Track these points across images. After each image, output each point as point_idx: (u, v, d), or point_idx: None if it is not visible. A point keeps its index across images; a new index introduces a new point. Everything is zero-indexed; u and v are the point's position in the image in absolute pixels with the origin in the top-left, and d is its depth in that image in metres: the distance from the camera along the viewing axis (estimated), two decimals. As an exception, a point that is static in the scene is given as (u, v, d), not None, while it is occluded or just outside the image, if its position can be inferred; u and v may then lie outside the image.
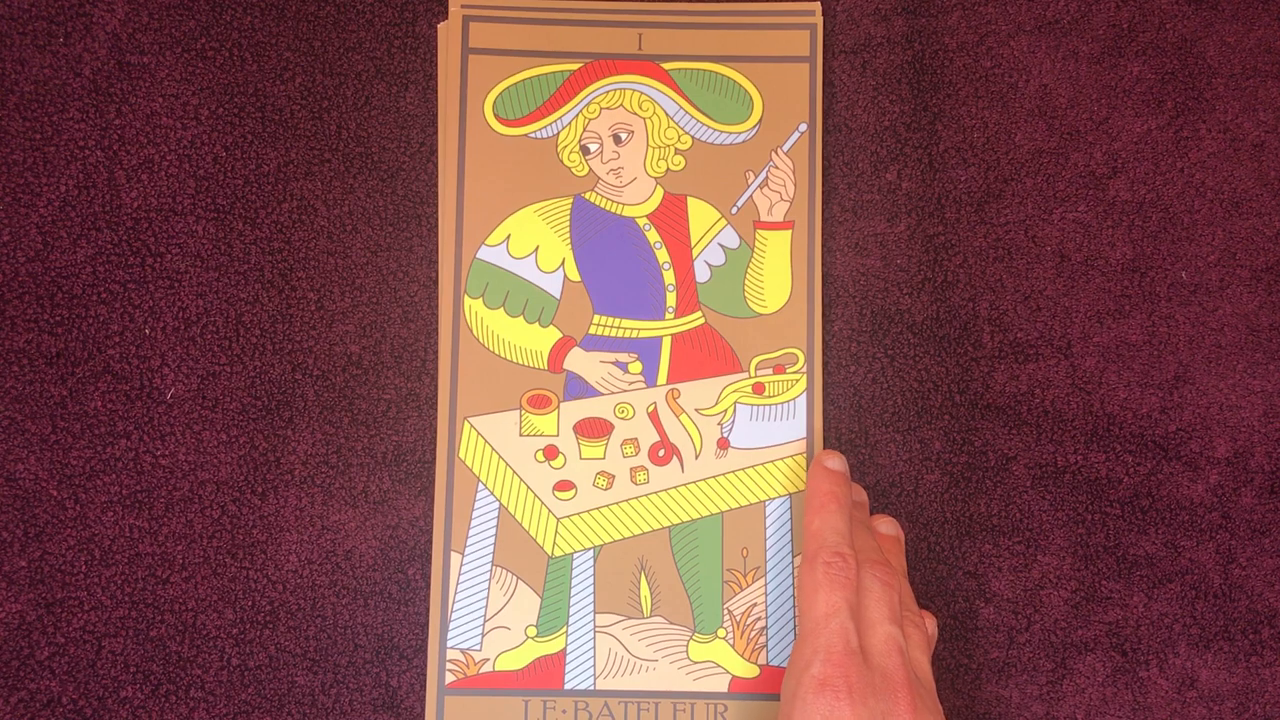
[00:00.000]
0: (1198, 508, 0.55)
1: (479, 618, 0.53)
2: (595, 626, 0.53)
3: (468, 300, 0.55)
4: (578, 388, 0.54)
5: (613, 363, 0.55)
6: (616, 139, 0.55)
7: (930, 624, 0.51)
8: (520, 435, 0.54)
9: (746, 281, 0.55)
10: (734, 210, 0.55)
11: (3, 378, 0.54)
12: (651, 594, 0.54)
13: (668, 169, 0.55)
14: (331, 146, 0.56)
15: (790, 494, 0.54)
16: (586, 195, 0.55)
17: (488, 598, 0.53)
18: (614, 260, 0.55)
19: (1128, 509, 0.55)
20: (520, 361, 0.54)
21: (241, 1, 0.56)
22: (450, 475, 0.54)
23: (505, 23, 0.56)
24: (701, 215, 0.55)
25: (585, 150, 0.55)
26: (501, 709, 0.53)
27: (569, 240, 0.55)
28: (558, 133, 0.55)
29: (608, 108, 0.55)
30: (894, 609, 0.47)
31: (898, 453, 0.55)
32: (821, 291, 0.55)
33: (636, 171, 0.55)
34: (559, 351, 0.54)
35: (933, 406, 0.55)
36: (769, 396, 0.54)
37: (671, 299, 0.55)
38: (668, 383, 0.55)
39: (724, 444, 0.54)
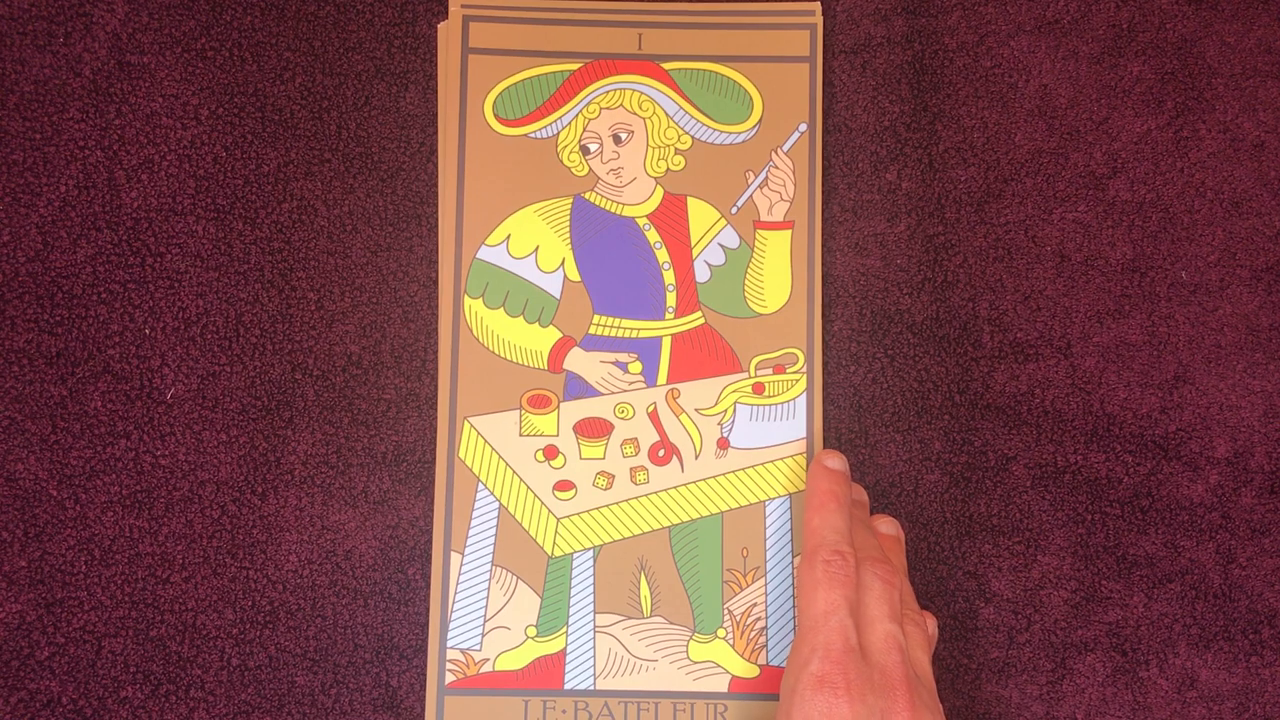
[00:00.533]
0: (1198, 508, 0.55)
1: (479, 618, 0.53)
2: (595, 626, 0.53)
3: (468, 300, 0.55)
4: (578, 388, 0.54)
5: (613, 363, 0.55)
6: (616, 139, 0.55)
7: (930, 624, 0.51)
8: (520, 435, 0.54)
9: (746, 281, 0.55)
10: (734, 210, 0.55)
11: (3, 378, 0.54)
12: (651, 594, 0.54)
13: (668, 169, 0.55)
14: (331, 146, 0.56)
15: (790, 494, 0.54)
16: (586, 195, 0.55)
17: (488, 598, 0.53)
18: (614, 260, 0.55)
19: (1128, 509, 0.55)
20: (520, 361, 0.54)
21: (241, 1, 0.56)
22: (450, 475, 0.54)
23: (505, 23, 0.56)
24: (701, 215, 0.55)
25: (585, 150, 0.55)
26: (501, 709, 0.53)
27: (569, 240, 0.55)
28: (558, 133, 0.55)
29: (608, 108, 0.55)
30: (894, 607, 0.47)
31: (898, 453, 0.55)
32: (821, 291, 0.55)
33: (636, 171, 0.55)
34: (559, 351, 0.54)
35: (933, 406, 0.55)
36: (769, 396, 0.55)
37: (671, 299, 0.55)
38: (668, 383, 0.55)
39: (724, 444, 0.54)
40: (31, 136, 0.55)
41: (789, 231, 0.55)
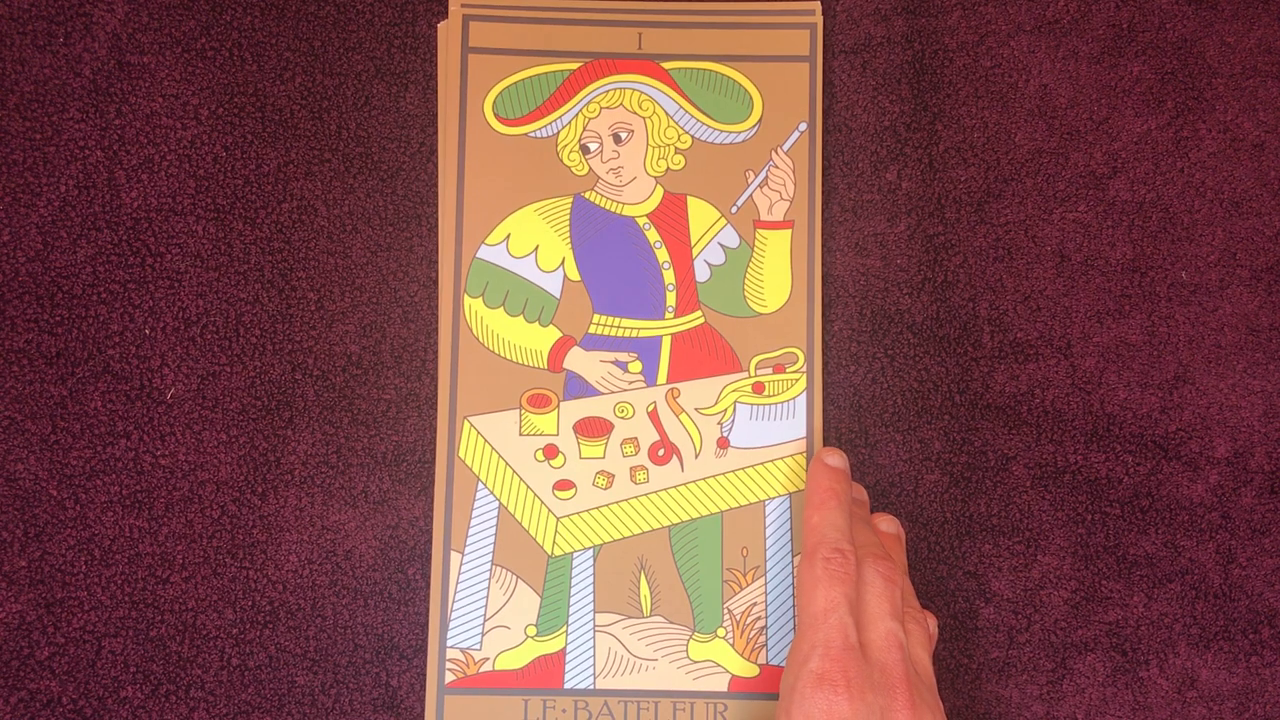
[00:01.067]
0: (1198, 508, 0.55)
1: (479, 617, 0.53)
2: (595, 626, 0.53)
3: (467, 300, 0.55)
4: (577, 387, 0.54)
5: (612, 362, 0.55)
6: (616, 138, 0.55)
7: (931, 623, 0.51)
8: (520, 435, 0.54)
9: (746, 281, 0.55)
10: (734, 210, 0.55)
11: (3, 378, 0.54)
12: (651, 593, 0.54)
13: (668, 168, 0.55)
14: (331, 146, 0.56)
15: (790, 493, 0.54)
16: (586, 195, 0.55)
17: (487, 597, 0.53)
18: (614, 259, 0.55)
19: (1128, 509, 0.55)
20: (520, 361, 0.54)
21: (241, 1, 0.56)
22: (450, 475, 0.54)
23: (505, 22, 0.56)
24: (701, 214, 0.55)
25: (585, 150, 0.55)
26: (501, 708, 0.53)
27: (569, 239, 0.55)
28: (557, 132, 0.55)
29: (608, 107, 0.55)
30: (895, 604, 0.47)
31: (898, 453, 0.55)
32: (821, 291, 0.55)
33: (636, 171, 0.55)
34: (559, 351, 0.54)
35: (933, 406, 0.55)
36: (769, 396, 0.54)
37: (671, 298, 0.55)
38: (667, 382, 0.55)
39: (724, 443, 0.54)
40: (31, 136, 0.55)
41: (789, 231, 0.55)
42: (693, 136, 0.56)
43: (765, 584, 0.54)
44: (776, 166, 0.55)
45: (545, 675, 0.53)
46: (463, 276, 0.55)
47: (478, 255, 0.55)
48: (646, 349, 0.55)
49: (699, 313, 0.55)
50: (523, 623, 0.53)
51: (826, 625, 0.46)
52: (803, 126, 0.56)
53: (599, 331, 0.55)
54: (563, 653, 0.53)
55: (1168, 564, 0.55)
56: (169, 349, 0.54)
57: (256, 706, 0.53)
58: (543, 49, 0.56)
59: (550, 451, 0.54)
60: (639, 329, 0.55)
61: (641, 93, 0.56)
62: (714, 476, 0.54)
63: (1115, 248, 0.56)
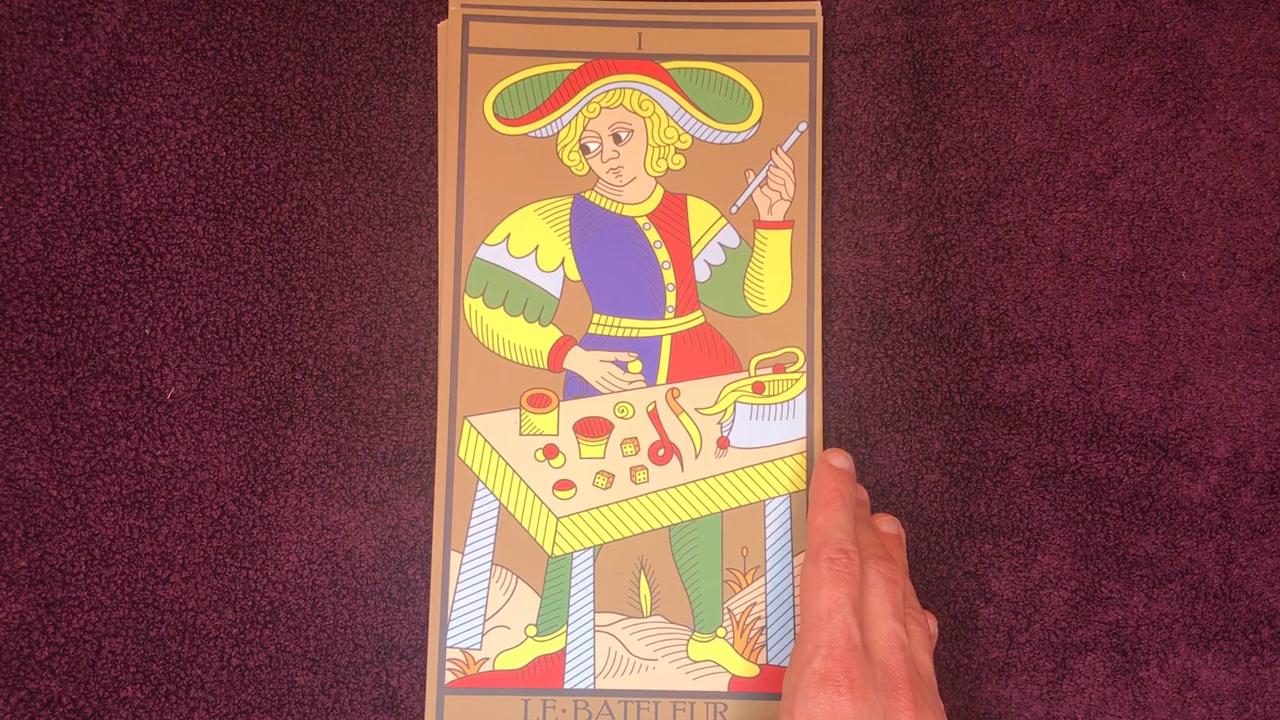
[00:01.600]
0: (1198, 508, 0.55)
1: (479, 617, 0.53)
2: (595, 626, 0.53)
3: (467, 300, 0.55)
4: (577, 387, 0.54)
5: (612, 362, 0.55)
6: (616, 138, 0.55)
7: (931, 624, 0.51)
8: (520, 435, 0.54)
9: (746, 281, 0.55)
10: (734, 209, 0.55)
11: (3, 378, 0.54)
12: (651, 593, 0.54)
13: (667, 168, 0.55)
14: (331, 146, 0.56)
15: (790, 493, 0.54)
16: (586, 194, 0.55)
17: (487, 597, 0.53)
18: (614, 259, 0.55)
19: (1128, 509, 0.55)
20: (520, 361, 0.54)
21: (241, 1, 0.56)
22: (450, 475, 0.54)
23: (505, 22, 0.56)
24: (701, 214, 0.55)
25: (585, 149, 0.55)
26: (501, 708, 0.53)
27: (569, 239, 0.55)
28: (557, 132, 0.55)
29: (608, 107, 0.55)
30: (897, 605, 0.47)
31: (898, 453, 0.55)
32: (821, 291, 0.55)
33: (636, 171, 0.55)
34: (559, 351, 0.54)
35: (933, 406, 0.55)
36: (769, 396, 0.54)
37: (671, 298, 0.55)
38: (667, 382, 0.55)
39: (724, 443, 0.54)
40: (31, 136, 0.55)
41: (789, 231, 0.55)
42: (693, 136, 0.56)
43: (765, 584, 0.54)
44: (776, 166, 0.55)
45: (545, 675, 0.53)
46: (463, 276, 0.55)
47: (478, 255, 0.55)
48: (646, 349, 0.55)
49: (699, 313, 0.55)
50: (523, 623, 0.53)
51: (830, 625, 0.46)
52: (803, 126, 0.56)
53: (599, 331, 0.55)
54: (563, 653, 0.53)
55: (1168, 564, 0.55)
56: (169, 349, 0.54)
57: (256, 706, 0.53)
58: (543, 49, 0.56)
59: (550, 451, 0.54)
60: (639, 329, 0.55)
61: (641, 93, 0.56)
62: (714, 476, 0.54)
63: (1115, 248, 0.56)
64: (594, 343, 0.55)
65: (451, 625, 0.53)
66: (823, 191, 0.56)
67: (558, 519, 0.54)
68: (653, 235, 0.55)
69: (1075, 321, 0.56)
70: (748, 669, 0.53)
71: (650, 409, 0.54)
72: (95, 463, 0.54)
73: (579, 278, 0.55)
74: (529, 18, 0.56)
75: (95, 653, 0.53)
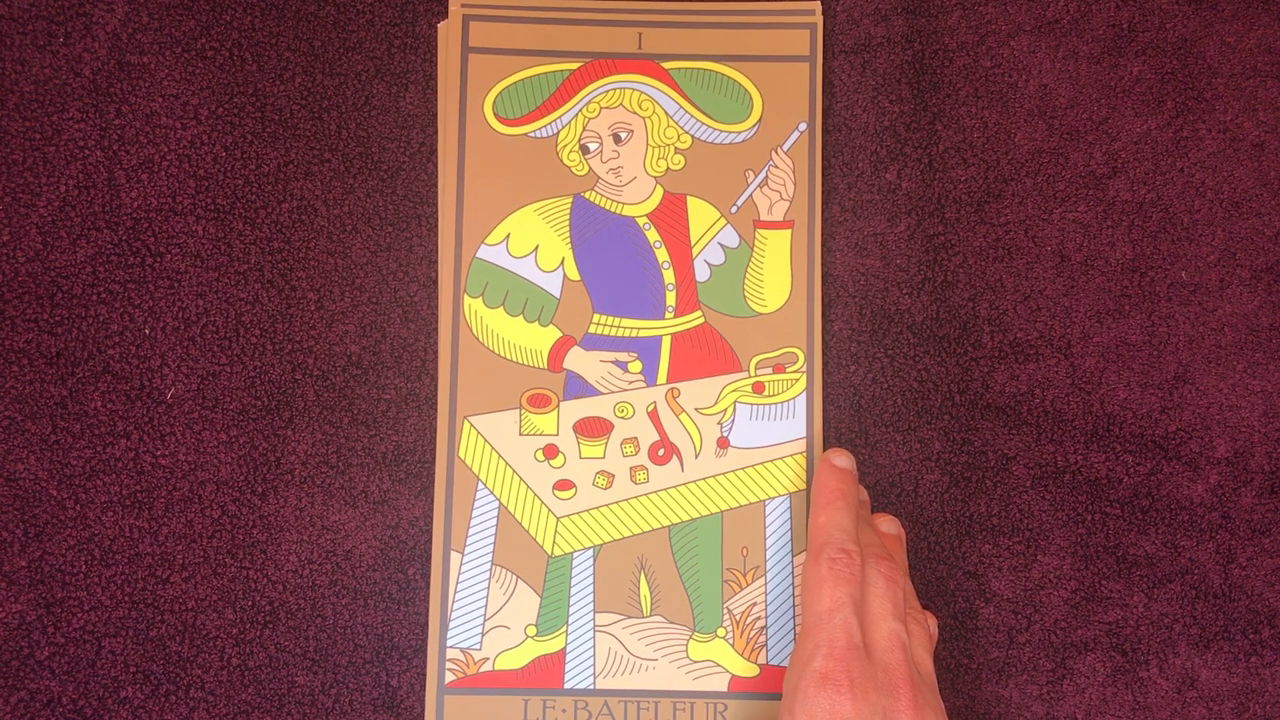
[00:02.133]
0: (1198, 508, 0.55)
1: (479, 617, 0.53)
2: (595, 626, 0.53)
3: (467, 299, 0.55)
4: (577, 387, 0.54)
5: (612, 362, 0.55)
6: (616, 138, 0.55)
7: (931, 623, 0.51)
8: (520, 434, 0.54)
9: (746, 281, 0.55)
10: (734, 209, 0.55)
11: (3, 378, 0.54)
12: (651, 593, 0.54)
13: (667, 168, 0.55)
14: (331, 146, 0.56)
15: (790, 493, 0.54)
16: (586, 194, 0.55)
17: (487, 597, 0.53)
18: (614, 259, 0.55)
19: (1128, 509, 0.55)
20: (520, 361, 0.54)
21: (241, 1, 0.56)
22: (450, 475, 0.54)
23: (505, 22, 0.56)
24: (701, 214, 0.55)
25: (585, 149, 0.55)
26: (501, 708, 0.53)
27: (569, 239, 0.55)
28: (557, 132, 0.55)
29: (607, 107, 0.55)
30: (898, 605, 0.47)
31: (898, 453, 0.55)
32: (821, 291, 0.55)
33: (636, 171, 0.55)
34: (559, 350, 0.54)
35: (933, 406, 0.55)
36: (769, 396, 0.54)
37: (671, 298, 0.55)
38: (667, 382, 0.55)
39: (724, 443, 0.54)
40: (31, 136, 0.55)
41: (789, 231, 0.55)
42: (693, 136, 0.56)
43: (765, 584, 0.54)
44: (776, 166, 0.55)
45: (545, 675, 0.53)
46: (463, 276, 0.55)
47: (477, 255, 0.55)
48: (646, 349, 0.55)
49: (699, 312, 0.55)
50: (523, 622, 0.53)
51: (831, 625, 0.46)
52: (802, 126, 0.56)
53: (599, 331, 0.55)
54: (563, 653, 0.53)
55: (1168, 564, 0.55)
56: (169, 349, 0.54)
57: (256, 706, 0.53)
58: (543, 49, 0.56)
59: (550, 451, 0.54)
60: (639, 329, 0.55)
61: (641, 93, 0.56)
62: (714, 476, 0.54)
63: (1115, 248, 0.56)
64: (594, 343, 0.55)
65: (451, 625, 0.53)
66: (823, 191, 0.56)
67: (558, 519, 0.54)
68: (653, 235, 0.55)
69: (1075, 321, 0.56)
70: (748, 669, 0.53)
71: (650, 409, 0.54)
72: (95, 463, 0.54)
73: (579, 278, 0.55)
74: (529, 18, 0.56)
75: (95, 653, 0.53)
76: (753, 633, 0.53)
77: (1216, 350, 0.56)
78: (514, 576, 0.53)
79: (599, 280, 0.55)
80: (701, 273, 0.55)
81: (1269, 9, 0.57)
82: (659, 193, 0.55)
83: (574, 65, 0.56)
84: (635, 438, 0.54)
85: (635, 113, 0.56)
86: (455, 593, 0.53)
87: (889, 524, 0.53)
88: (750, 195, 0.55)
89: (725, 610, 0.54)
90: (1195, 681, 0.54)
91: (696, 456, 0.54)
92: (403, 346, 0.55)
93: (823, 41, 0.56)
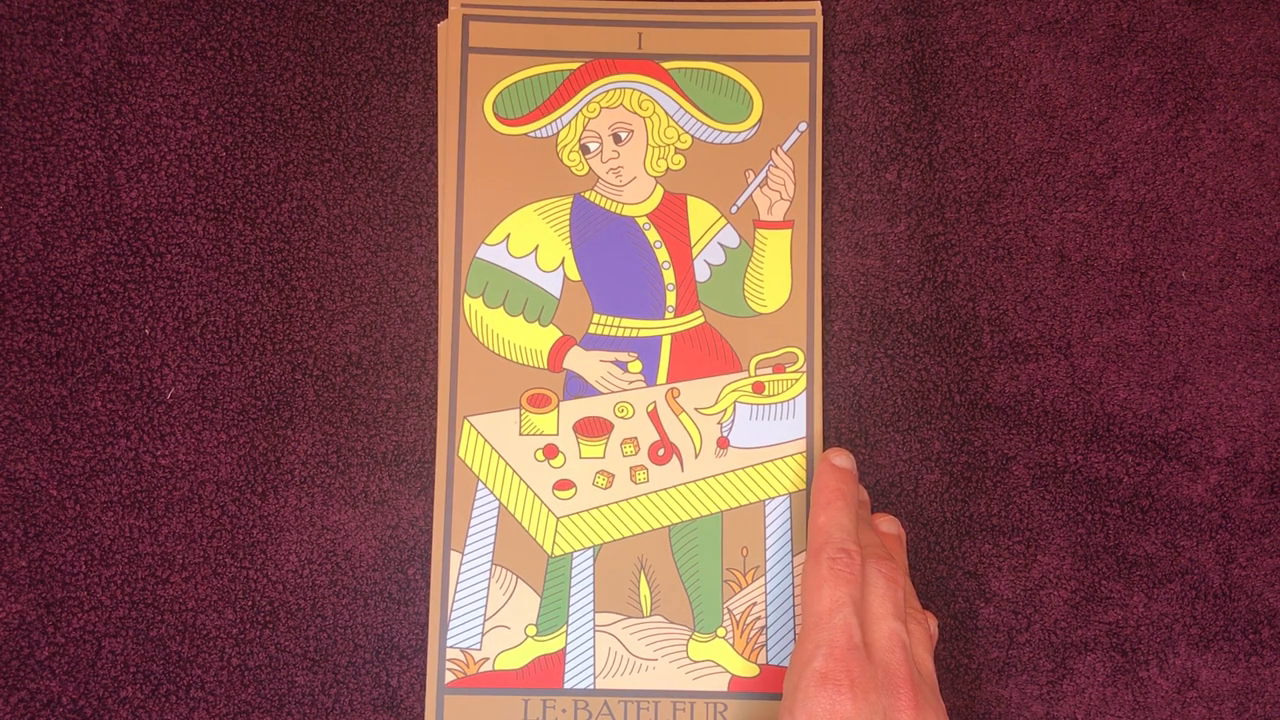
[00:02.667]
0: (1198, 508, 0.55)
1: (479, 617, 0.53)
2: (595, 626, 0.53)
3: (467, 299, 0.55)
4: (577, 387, 0.54)
5: (612, 362, 0.55)
6: (616, 138, 0.55)
7: (931, 623, 0.51)
8: (520, 434, 0.54)
9: (746, 281, 0.55)
10: (734, 209, 0.55)
11: (3, 378, 0.54)
12: (651, 593, 0.54)
13: (667, 168, 0.55)
14: (331, 146, 0.56)
15: (790, 493, 0.54)
16: (586, 194, 0.55)
17: (487, 597, 0.53)
18: (614, 259, 0.55)
19: (1128, 509, 0.55)
20: (520, 361, 0.54)
21: (241, 1, 0.56)
22: (450, 475, 0.54)
23: (505, 22, 0.56)
24: (701, 214, 0.55)
25: (585, 149, 0.55)
26: (501, 708, 0.53)
27: (569, 239, 0.55)
28: (557, 132, 0.55)
29: (608, 107, 0.55)
30: (898, 605, 0.47)
31: (898, 453, 0.55)
32: (821, 291, 0.55)
33: (636, 171, 0.55)
34: (559, 350, 0.54)
35: (933, 406, 0.55)
36: (769, 396, 0.54)
37: (671, 298, 0.55)
38: (667, 382, 0.55)
39: (724, 443, 0.54)
40: (31, 136, 0.55)
41: (789, 231, 0.55)
42: (693, 136, 0.56)
43: (765, 584, 0.54)
44: (776, 166, 0.55)
45: (545, 675, 0.53)
46: (463, 276, 0.55)
47: (478, 255, 0.55)
48: (646, 349, 0.55)
49: (699, 312, 0.55)
50: (523, 622, 0.53)
51: (831, 625, 0.46)
52: (803, 126, 0.56)
53: (599, 331, 0.55)
54: (563, 652, 0.53)
55: (1168, 564, 0.55)
56: (169, 349, 0.54)
57: (256, 706, 0.53)
58: (543, 49, 0.56)
59: (550, 451, 0.54)
60: (639, 329, 0.55)
61: (641, 92, 0.56)
62: (714, 476, 0.54)
63: (1115, 248, 0.56)
64: (594, 342, 0.55)
65: (451, 625, 0.53)
66: (823, 191, 0.56)
67: (558, 519, 0.54)
68: (653, 235, 0.55)
69: (1075, 321, 0.56)
70: (748, 669, 0.53)
71: (650, 409, 0.54)
72: (95, 463, 0.54)
73: (579, 277, 0.55)
74: (529, 18, 0.56)
75: (95, 653, 0.53)
76: (753, 633, 0.53)
77: (1216, 350, 0.56)
78: (514, 576, 0.53)
79: (599, 280, 0.55)
80: (701, 273, 0.55)
81: (1269, 9, 0.57)
82: (659, 193, 0.55)
83: (574, 65, 0.56)
84: (635, 438, 0.54)
85: (635, 113, 0.56)
86: (455, 593, 0.53)
87: (889, 524, 0.53)
88: (750, 195, 0.55)
89: (725, 610, 0.54)
90: (1195, 681, 0.54)
91: (696, 456, 0.54)
92: (403, 346, 0.55)
93: (823, 41, 0.56)
